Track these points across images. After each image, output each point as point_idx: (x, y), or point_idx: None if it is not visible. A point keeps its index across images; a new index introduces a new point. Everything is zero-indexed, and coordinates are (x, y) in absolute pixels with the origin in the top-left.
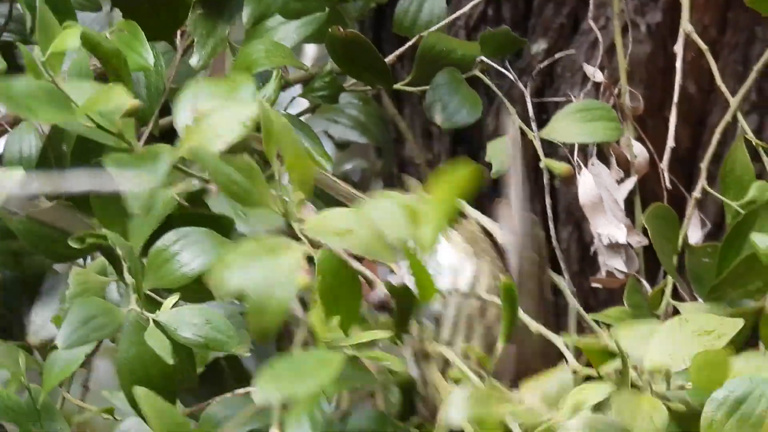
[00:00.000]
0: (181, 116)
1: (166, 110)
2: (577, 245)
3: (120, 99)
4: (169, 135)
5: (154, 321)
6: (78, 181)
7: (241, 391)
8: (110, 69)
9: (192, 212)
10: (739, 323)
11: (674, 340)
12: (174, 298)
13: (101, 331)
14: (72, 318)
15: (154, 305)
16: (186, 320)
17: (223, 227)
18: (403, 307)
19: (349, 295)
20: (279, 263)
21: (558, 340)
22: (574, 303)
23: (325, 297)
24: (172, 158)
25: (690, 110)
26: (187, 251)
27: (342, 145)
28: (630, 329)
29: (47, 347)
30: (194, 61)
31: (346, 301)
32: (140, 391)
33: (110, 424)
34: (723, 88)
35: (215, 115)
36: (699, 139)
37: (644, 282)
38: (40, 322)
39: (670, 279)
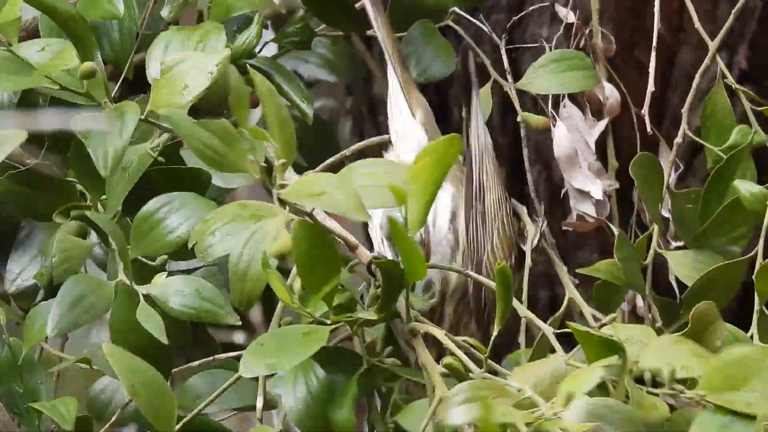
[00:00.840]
0: (152, 69)
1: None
2: (546, 185)
3: (70, 62)
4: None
5: (144, 296)
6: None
7: (221, 356)
8: (69, 32)
9: (168, 168)
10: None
11: (670, 352)
12: (162, 275)
13: (92, 311)
14: (60, 302)
15: (142, 271)
16: (176, 291)
17: (200, 182)
18: (390, 285)
19: (327, 263)
20: (260, 229)
21: (548, 330)
22: (575, 295)
23: (302, 266)
24: (138, 115)
25: (659, 50)
26: (174, 216)
27: (311, 84)
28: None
29: (24, 295)
30: (165, 12)
31: (323, 270)
32: (105, 346)
33: (88, 372)
34: (701, 30)
35: (182, 66)
36: (669, 78)
37: (615, 228)
38: (17, 270)
39: (656, 227)
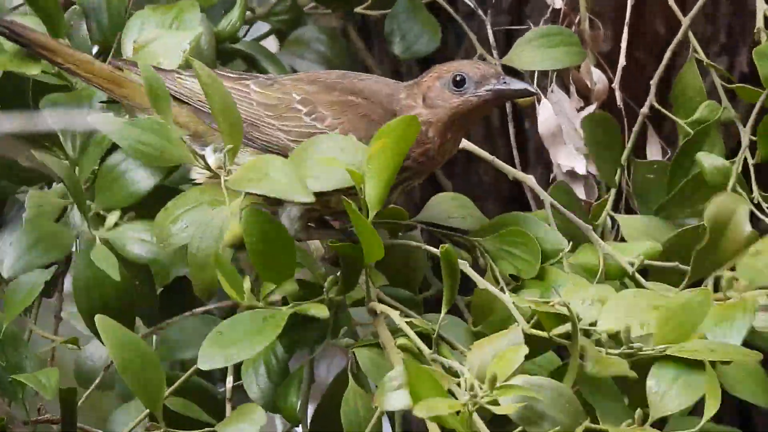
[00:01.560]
0: (127, 48)
1: None
2: (545, 186)
3: None
4: None
5: (101, 239)
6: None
7: (199, 310)
8: (37, 9)
9: None
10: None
11: (628, 309)
12: (115, 214)
13: (47, 254)
14: (17, 244)
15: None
16: (135, 237)
17: None
18: (349, 267)
19: (281, 250)
20: (216, 217)
21: (508, 301)
22: None
23: (255, 254)
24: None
25: (656, 47)
26: (138, 170)
27: None
28: (580, 293)
29: None
30: None
31: (278, 256)
32: (98, 318)
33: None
34: (680, 16)
35: (155, 44)
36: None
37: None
38: (6, 249)
39: (613, 191)
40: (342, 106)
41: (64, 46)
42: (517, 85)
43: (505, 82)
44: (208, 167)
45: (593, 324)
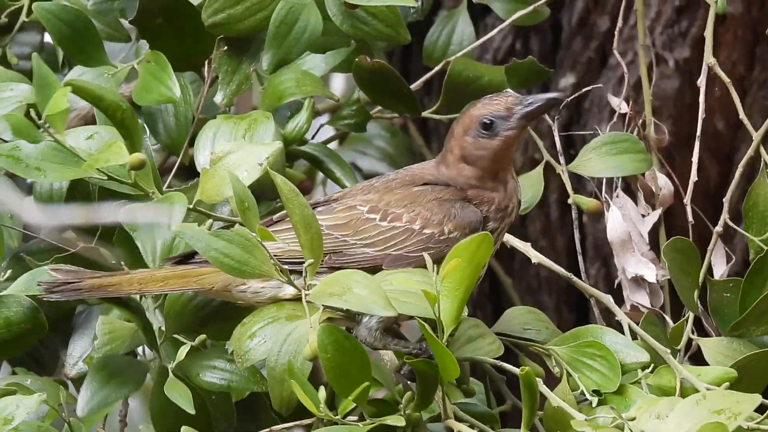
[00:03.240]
0: (200, 158)
1: None
2: (605, 282)
3: (118, 157)
4: None
5: (173, 371)
6: (106, 214)
7: (277, 427)
8: (116, 122)
9: None
10: (756, 399)
11: (691, 420)
12: (186, 347)
13: (123, 388)
14: (91, 379)
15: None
16: (208, 365)
17: None
18: (425, 383)
19: (356, 366)
20: (295, 331)
21: (581, 419)
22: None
23: (330, 370)
24: (186, 205)
25: (718, 146)
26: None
27: (370, 177)
28: (648, 405)
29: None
30: (218, 99)
31: (353, 373)
32: None
33: None
34: (746, 121)
35: (232, 156)
36: (727, 175)
37: (668, 318)
38: (77, 354)
39: (691, 313)
40: (410, 199)
41: (122, 274)
42: (540, 101)
43: (530, 103)
44: (290, 282)
45: None
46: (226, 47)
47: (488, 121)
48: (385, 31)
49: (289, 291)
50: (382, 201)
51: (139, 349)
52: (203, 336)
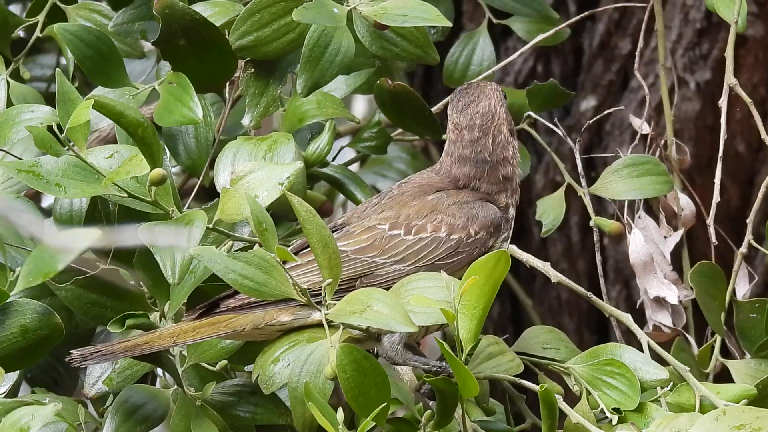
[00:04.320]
0: (220, 178)
1: None
2: (626, 304)
3: (139, 170)
4: None
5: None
6: (125, 238)
7: None
8: (137, 139)
9: None
10: None
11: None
12: (210, 386)
13: (148, 421)
14: (114, 413)
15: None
16: (234, 401)
17: None
18: (445, 401)
19: (375, 386)
20: (315, 352)
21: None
22: None
23: (349, 390)
24: (206, 224)
25: (739, 168)
26: None
27: None
28: (668, 420)
29: (104, 400)
30: (246, 121)
31: (372, 393)
32: None
33: None
34: (760, 125)
35: (253, 176)
36: (748, 198)
37: (691, 338)
38: (97, 374)
39: (718, 336)
40: (429, 208)
41: (152, 333)
42: None
43: None
44: (310, 302)
45: None
46: (252, 69)
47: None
48: (414, 51)
49: (315, 317)
50: (401, 215)
51: (159, 370)
52: (224, 362)
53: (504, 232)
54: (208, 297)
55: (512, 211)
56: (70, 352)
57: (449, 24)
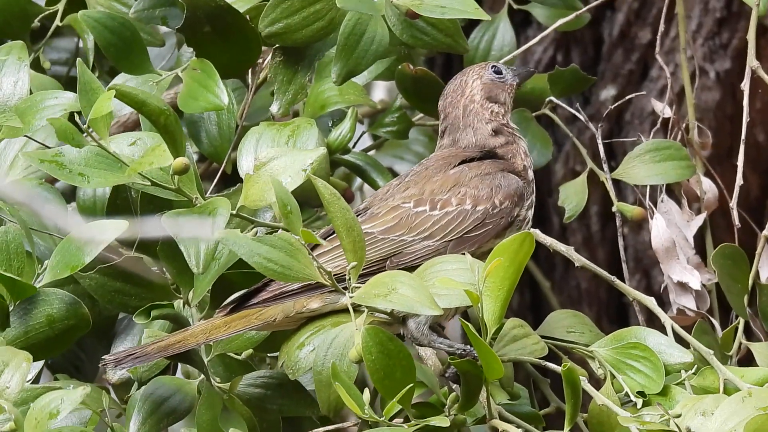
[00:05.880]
0: (243, 164)
1: None
2: (646, 293)
3: (162, 160)
4: None
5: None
6: (149, 227)
7: (320, 430)
8: (160, 127)
9: None
10: None
11: (737, 417)
12: (238, 379)
13: (175, 413)
14: (141, 405)
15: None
16: (263, 388)
17: None
18: (470, 384)
19: (401, 368)
20: (339, 335)
21: (627, 416)
22: None
23: (374, 372)
24: (229, 210)
25: (759, 157)
26: None
27: None
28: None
29: (126, 386)
30: (274, 108)
31: (397, 374)
32: None
33: None
34: None
35: (276, 162)
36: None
37: (715, 321)
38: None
39: (741, 319)
40: (452, 182)
41: (183, 331)
42: (523, 69)
43: (515, 68)
44: (335, 285)
45: None
46: (281, 57)
47: (497, 68)
48: (445, 40)
49: (344, 301)
50: (425, 192)
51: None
52: (250, 350)
53: (527, 199)
54: (233, 285)
55: (531, 174)
56: (102, 357)
57: (487, 17)
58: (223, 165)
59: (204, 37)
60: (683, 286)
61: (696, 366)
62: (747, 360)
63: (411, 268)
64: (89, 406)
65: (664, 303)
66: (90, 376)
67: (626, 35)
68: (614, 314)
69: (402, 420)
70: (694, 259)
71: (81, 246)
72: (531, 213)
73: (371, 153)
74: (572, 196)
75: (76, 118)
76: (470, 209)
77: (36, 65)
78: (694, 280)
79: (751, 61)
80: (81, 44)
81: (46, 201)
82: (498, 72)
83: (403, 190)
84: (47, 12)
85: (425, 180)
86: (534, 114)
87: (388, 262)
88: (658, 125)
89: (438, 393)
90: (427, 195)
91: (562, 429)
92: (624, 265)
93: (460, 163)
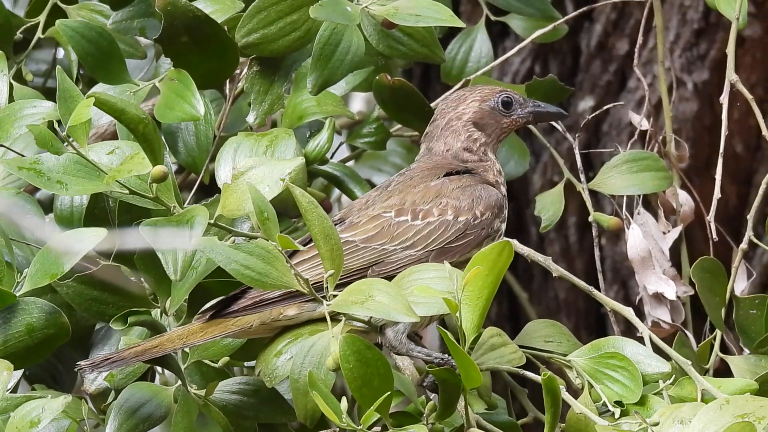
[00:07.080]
0: (221, 173)
1: None
2: (623, 303)
3: (141, 168)
4: None
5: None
6: (126, 237)
7: None
8: (138, 135)
9: None
10: None
11: (715, 425)
12: (214, 384)
13: (150, 420)
14: (117, 411)
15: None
16: (239, 395)
17: None
18: (448, 392)
19: (378, 377)
20: (316, 344)
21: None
22: None
23: (352, 380)
24: (207, 219)
25: (737, 169)
26: None
27: None
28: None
29: (104, 396)
30: (251, 118)
31: (375, 383)
32: None
33: None
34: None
35: (254, 172)
36: (746, 197)
37: (689, 334)
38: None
39: (718, 332)
40: (433, 193)
41: (160, 336)
42: (551, 108)
43: (539, 105)
44: (312, 293)
45: None
46: (257, 67)
47: (509, 100)
48: (421, 50)
49: (321, 310)
50: (406, 202)
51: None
52: (226, 358)
53: (503, 212)
54: (210, 294)
55: (504, 190)
56: (78, 363)
57: (462, 25)
58: (201, 175)
59: (181, 47)
60: (658, 298)
61: (674, 376)
62: (723, 373)
63: (392, 278)
64: (69, 415)
65: (641, 314)
66: (67, 386)
67: (604, 46)
68: (593, 325)
69: (380, 429)
70: (670, 272)
71: (60, 254)
72: (504, 226)
73: (349, 164)
74: (549, 206)
75: (56, 126)
76: (452, 220)
77: (18, 77)
78: (670, 290)
79: (731, 75)
80: (60, 55)
81: (24, 210)
82: (507, 104)
83: (384, 200)
84: (29, 24)
85: (407, 190)
86: None
87: (369, 271)
88: (636, 136)
89: (416, 402)
90: (408, 205)
91: None
92: (600, 276)
93: (445, 175)
